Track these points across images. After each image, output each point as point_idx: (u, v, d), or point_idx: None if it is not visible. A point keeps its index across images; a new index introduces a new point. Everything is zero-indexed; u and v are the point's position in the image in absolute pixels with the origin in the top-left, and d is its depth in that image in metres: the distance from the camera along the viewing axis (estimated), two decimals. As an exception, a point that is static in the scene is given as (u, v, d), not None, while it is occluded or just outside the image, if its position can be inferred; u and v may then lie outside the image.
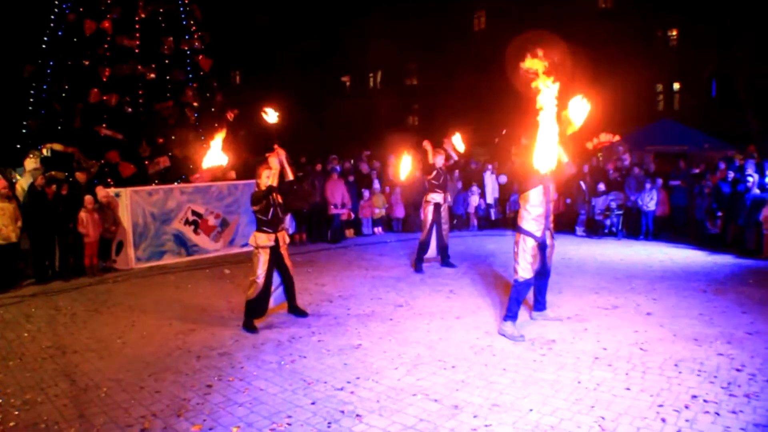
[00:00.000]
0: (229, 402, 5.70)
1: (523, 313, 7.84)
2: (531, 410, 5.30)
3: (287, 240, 8.42)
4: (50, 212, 11.69)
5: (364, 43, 36.46)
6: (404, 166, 11.97)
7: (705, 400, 5.41)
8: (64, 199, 11.99)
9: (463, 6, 34.91)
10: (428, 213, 11.54)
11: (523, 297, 7.61)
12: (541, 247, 7.52)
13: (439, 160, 11.61)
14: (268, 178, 7.94)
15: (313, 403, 5.59)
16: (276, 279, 8.28)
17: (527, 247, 7.39)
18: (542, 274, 7.86)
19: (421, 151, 12.06)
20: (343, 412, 5.39)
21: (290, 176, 8.30)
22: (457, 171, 16.59)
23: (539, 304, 8.22)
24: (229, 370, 6.58)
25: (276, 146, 8.21)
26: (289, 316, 8.57)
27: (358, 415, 5.31)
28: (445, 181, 11.73)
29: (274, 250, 8.08)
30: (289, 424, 5.19)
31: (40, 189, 11.76)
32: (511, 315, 7.48)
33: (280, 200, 8.12)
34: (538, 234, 7.42)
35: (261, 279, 7.94)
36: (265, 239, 7.99)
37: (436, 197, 11.52)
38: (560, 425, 5.03)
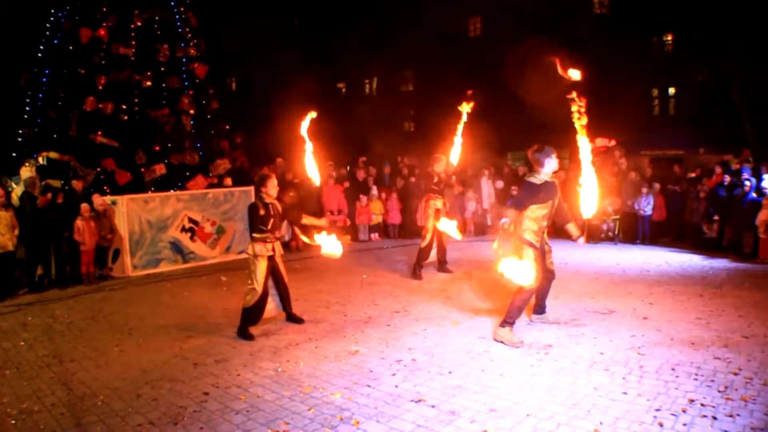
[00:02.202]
0: (225, 409, 5.69)
1: (521, 317, 7.84)
2: (528, 415, 5.29)
3: (281, 249, 8.49)
4: (44, 220, 11.69)
5: (359, 49, 36.46)
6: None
7: (702, 404, 5.40)
8: (58, 207, 11.98)
9: (459, 12, 34.88)
10: (429, 219, 11.51)
11: (525, 305, 7.60)
12: (541, 253, 7.55)
13: (440, 166, 11.59)
14: (275, 188, 8.18)
15: (310, 410, 5.58)
16: (273, 288, 8.33)
17: (531, 256, 7.40)
18: (546, 278, 7.87)
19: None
20: (340, 418, 5.39)
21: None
22: (454, 176, 16.61)
23: (539, 308, 8.23)
24: (225, 377, 6.57)
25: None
26: (286, 323, 8.56)
27: (355, 422, 5.30)
28: (445, 187, 11.72)
29: (271, 259, 8.13)
30: (286, 431, 5.18)
31: (35, 197, 11.79)
32: (510, 321, 7.46)
33: (280, 210, 8.20)
34: (537, 244, 7.45)
35: (259, 287, 7.97)
36: (262, 248, 8.02)
37: (437, 203, 11.51)
38: (557, 430, 5.02)
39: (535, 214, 7.41)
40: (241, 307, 8.09)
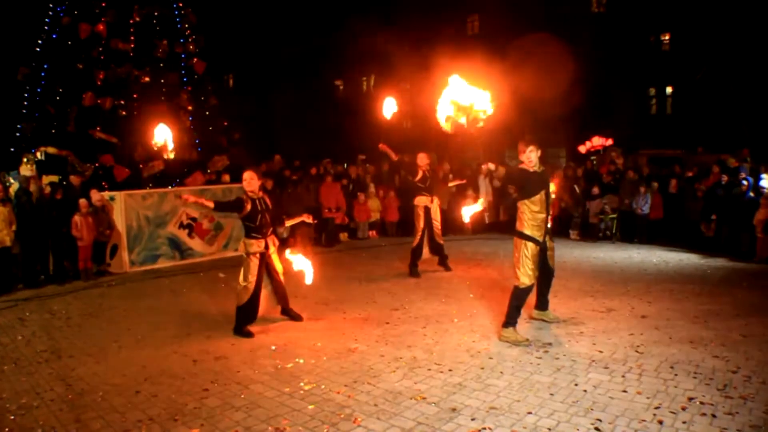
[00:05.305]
0: (226, 406, 5.69)
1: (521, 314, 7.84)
2: (528, 413, 5.31)
3: (277, 244, 8.46)
4: (42, 216, 11.66)
5: (357, 47, 36.46)
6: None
7: (701, 402, 5.44)
8: (56, 203, 11.95)
9: (457, 10, 34.87)
10: (419, 218, 11.51)
11: (523, 303, 7.58)
12: (542, 250, 7.52)
13: (422, 161, 11.59)
14: (249, 183, 8.06)
15: (311, 407, 5.59)
16: (267, 284, 8.32)
17: (529, 253, 7.36)
18: (546, 275, 7.85)
19: (380, 153, 12.08)
20: (341, 416, 5.39)
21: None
22: (451, 174, 16.57)
23: (541, 304, 8.21)
24: (225, 373, 6.57)
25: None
26: (285, 321, 8.55)
27: (355, 419, 5.31)
28: (432, 183, 11.64)
29: (263, 256, 8.11)
30: (287, 428, 5.18)
31: (34, 193, 11.77)
32: (511, 322, 7.46)
33: (270, 205, 8.17)
34: (540, 239, 7.42)
35: (251, 285, 7.96)
36: (254, 246, 8.01)
37: (424, 200, 11.49)
38: (557, 428, 5.04)
39: (531, 208, 7.39)
40: (235, 307, 8.08)
